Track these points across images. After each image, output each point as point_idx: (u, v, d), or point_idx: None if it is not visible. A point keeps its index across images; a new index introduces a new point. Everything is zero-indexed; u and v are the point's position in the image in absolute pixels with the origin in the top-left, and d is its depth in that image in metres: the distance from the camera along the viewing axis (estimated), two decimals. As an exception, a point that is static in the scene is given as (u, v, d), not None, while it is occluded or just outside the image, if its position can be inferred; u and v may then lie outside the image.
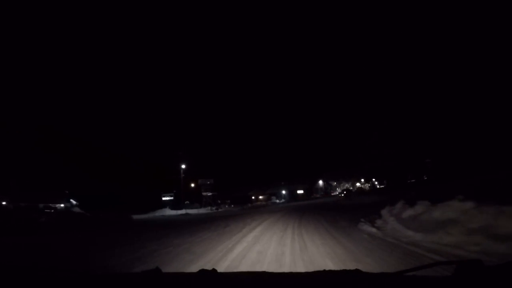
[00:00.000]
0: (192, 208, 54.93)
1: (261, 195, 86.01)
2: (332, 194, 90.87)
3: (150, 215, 42.21)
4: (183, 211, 45.77)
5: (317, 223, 15.66)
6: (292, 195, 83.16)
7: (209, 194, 67.27)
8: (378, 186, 70.81)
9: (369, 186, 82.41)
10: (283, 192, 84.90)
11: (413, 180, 42.80)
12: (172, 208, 50.83)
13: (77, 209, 37.80)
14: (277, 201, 78.37)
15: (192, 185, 67.86)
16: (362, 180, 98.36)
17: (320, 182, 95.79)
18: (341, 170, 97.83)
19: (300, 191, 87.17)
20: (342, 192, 51.65)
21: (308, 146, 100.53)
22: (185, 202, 59.16)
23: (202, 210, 51.65)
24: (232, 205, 63.67)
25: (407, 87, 46.37)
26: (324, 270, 1.93)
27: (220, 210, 51.88)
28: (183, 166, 55.37)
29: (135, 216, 36.43)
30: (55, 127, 66.83)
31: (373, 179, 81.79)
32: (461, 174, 29.35)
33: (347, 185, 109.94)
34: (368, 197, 32.48)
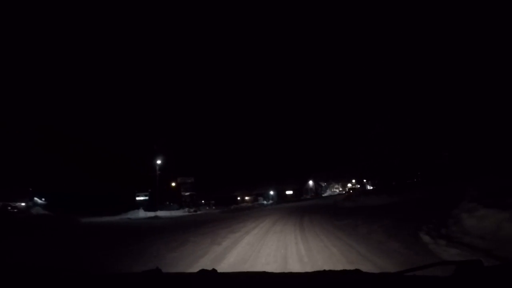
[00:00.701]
0: (170, 209, 48.41)
1: (248, 196, 79.52)
2: (323, 195, 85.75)
3: (117, 217, 35.50)
4: (152, 214, 38.97)
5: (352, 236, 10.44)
6: (281, 196, 77.22)
7: (187, 193, 60.52)
8: (369, 187, 66.02)
9: (360, 187, 76.56)
10: (271, 193, 78.72)
11: (414, 180, 38.25)
12: (147, 209, 43.99)
13: (38, 209, 33.33)
14: (265, 202, 72.30)
15: (173, 184, 61.21)
16: (353, 181, 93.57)
17: (310, 182, 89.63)
18: (331, 171, 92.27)
19: (289, 192, 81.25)
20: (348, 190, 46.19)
21: (298, 145, 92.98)
22: (167, 203, 52.66)
23: (179, 212, 45.06)
24: (214, 207, 56.95)
25: (414, 76, 39.06)
26: (324, 270, 1.92)
27: (199, 212, 45.30)
28: (159, 162, 48.36)
29: (97, 219, 30.80)
30: (21, 115, 59.11)
31: (364, 180, 76.39)
32: (469, 173, 24.44)
33: (336, 186, 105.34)
34: (373, 199, 26.54)
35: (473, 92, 31.81)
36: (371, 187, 51.73)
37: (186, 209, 48.17)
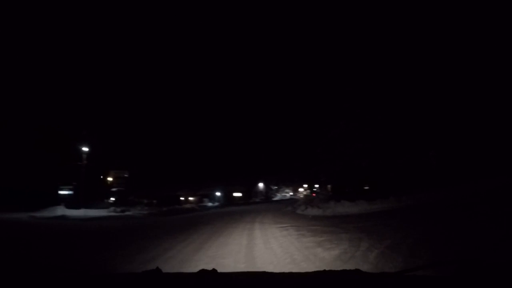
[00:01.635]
0: (98, 207, 40.29)
1: (192, 196, 72.24)
2: (274, 199, 79.82)
3: (21, 215, 27.39)
4: (71, 212, 31.05)
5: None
6: (228, 198, 70.57)
7: (115, 189, 52.20)
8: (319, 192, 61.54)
9: (324, 191, 71.09)
10: (218, 194, 71.94)
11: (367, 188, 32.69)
12: (70, 205, 35.76)
13: None
14: (210, 204, 65.67)
15: (108, 178, 53.00)
16: (305, 185, 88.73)
17: (261, 185, 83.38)
18: (283, 174, 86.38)
19: (237, 194, 74.76)
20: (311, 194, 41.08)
21: (249, 145, 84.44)
22: (99, 200, 44.44)
23: (103, 212, 37.07)
24: (147, 207, 48.93)
25: (385, 68, 33.46)
26: (324, 270, 1.94)
27: (127, 213, 37.74)
28: (86, 149, 40.12)
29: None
30: None
31: (317, 185, 71.38)
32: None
33: (287, 190, 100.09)
34: (347, 206, 20.60)
35: (464, 84, 27.21)
36: (330, 192, 46.34)
37: (112, 209, 40.23)
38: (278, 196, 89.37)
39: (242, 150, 77.39)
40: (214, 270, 1.77)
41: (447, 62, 29.49)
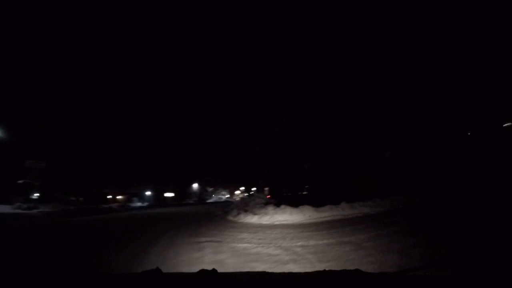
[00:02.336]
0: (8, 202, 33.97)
1: (121, 195, 66.34)
2: (209, 201, 75.05)
3: None
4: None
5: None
6: (159, 198, 65.30)
7: (21, 182, 44.63)
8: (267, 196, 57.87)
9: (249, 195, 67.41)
10: (148, 193, 66.39)
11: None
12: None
13: None
14: (139, 203, 60.37)
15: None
16: (242, 188, 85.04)
17: (195, 186, 78.43)
18: (220, 176, 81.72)
19: (169, 194, 69.57)
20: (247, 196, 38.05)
21: (185, 143, 78.32)
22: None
23: (6, 208, 31.03)
24: (62, 205, 42.66)
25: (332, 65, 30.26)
26: (324, 270, 1.94)
27: (35, 211, 31.85)
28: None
29: None
30: None
31: (254, 188, 67.68)
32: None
33: (223, 192, 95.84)
34: (290, 214, 16.90)
35: (417, 86, 24.92)
36: (268, 196, 43.11)
37: (17, 205, 33.97)
38: (213, 198, 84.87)
39: (177, 149, 71.77)
40: (214, 270, 1.73)
41: (401, 60, 27.22)
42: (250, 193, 70.89)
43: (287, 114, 29.05)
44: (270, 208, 16.62)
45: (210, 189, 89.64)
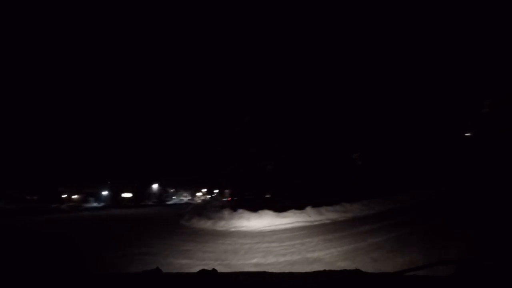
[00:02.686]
0: None
1: (77, 194, 62.26)
2: (169, 202, 71.49)
3: None
4: None
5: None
6: (116, 198, 61.67)
7: None
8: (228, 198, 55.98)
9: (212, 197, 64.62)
10: (105, 193, 62.65)
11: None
12: None
13: None
14: (95, 204, 56.85)
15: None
16: (204, 190, 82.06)
17: (155, 186, 74.63)
18: (182, 177, 77.87)
19: (127, 195, 65.91)
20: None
21: (146, 141, 73.33)
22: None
23: None
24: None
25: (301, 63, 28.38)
26: (324, 270, 1.91)
27: None
28: None
29: None
30: None
31: (216, 190, 65.05)
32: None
33: (185, 194, 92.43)
34: (251, 218, 14.88)
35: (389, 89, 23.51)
36: (229, 198, 41.00)
37: None
38: (174, 200, 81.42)
39: (137, 147, 67.79)
40: (214, 270, 1.69)
41: (370, 57, 25.83)
42: (213, 195, 68.19)
43: (251, 112, 27.01)
44: (226, 213, 14.51)
45: (171, 190, 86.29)
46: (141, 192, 68.44)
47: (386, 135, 23.58)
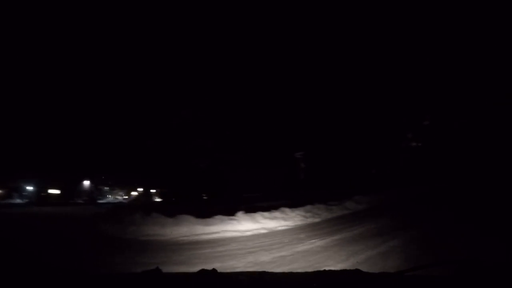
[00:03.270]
0: None
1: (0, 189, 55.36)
2: (100, 201, 65.47)
3: None
4: None
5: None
6: (42, 194, 55.61)
7: None
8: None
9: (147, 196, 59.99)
10: (30, 188, 56.39)
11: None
12: None
13: None
14: (18, 200, 51.04)
15: None
16: (141, 189, 76.84)
17: (87, 183, 68.10)
18: (120, 174, 71.69)
19: (54, 191, 59.58)
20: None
21: (79, 132, 66.51)
22: None
23: None
24: None
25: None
26: (324, 270, 1.89)
27: None
28: None
29: None
30: None
31: (152, 190, 60.52)
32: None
33: (121, 192, 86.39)
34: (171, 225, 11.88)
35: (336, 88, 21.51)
36: (160, 199, 38.39)
37: None
38: (108, 199, 75.10)
39: (69, 139, 61.20)
40: (214, 270, 1.66)
41: (313, 53, 23.76)
42: (150, 194, 63.60)
43: (188, 105, 23.89)
44: (138, 216, 11.27)
45: (106, 189, 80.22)
46: (72, 188, 62.22)
47: (331, 136, 21.64)
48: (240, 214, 10.70)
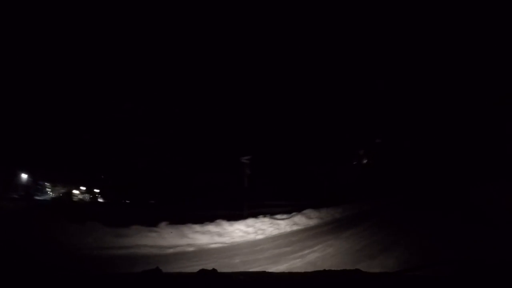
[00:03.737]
0: None
1: None
2: (38, 197, 59.78)
3: None
4: None
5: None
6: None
7: None
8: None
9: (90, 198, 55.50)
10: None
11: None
12: None
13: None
14: None
15: None
16: (83, 188, 71.56)
17: (24, 176, 61.79)
18: (61, 170, 66.16)
19: (-16, 184, 53.66)
20: None
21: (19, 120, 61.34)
22: None
23: None
24: None
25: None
26: (324, 270, 1.84)
27: None
28: None
29: None
30: None
31: (96, 190, 55.98)
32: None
33: (62, 191, 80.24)
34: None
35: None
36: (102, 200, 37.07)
37: None
38: (48, 195, 69.04)
39: (3, 127, 55.84)
40: (214, 270, 1.61)
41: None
42: (96, 194, 58.94)
43: (132, 99, 21.24)
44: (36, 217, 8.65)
45: (47, 184, 74.15)
46: (7, 181, 56.49)
47: (283, 145, 19.87)
48: (163, 225, 8.33)
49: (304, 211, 12.15)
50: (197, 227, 8.46)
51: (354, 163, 26.88)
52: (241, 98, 20.20)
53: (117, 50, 21.69)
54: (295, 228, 10.29)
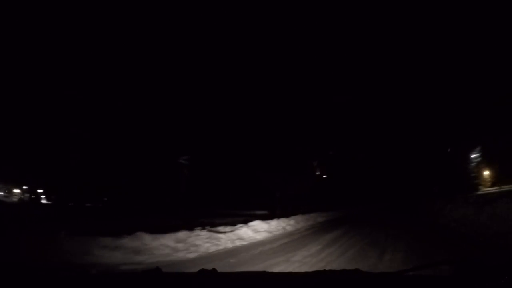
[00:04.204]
0: None
1: None
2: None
3: None
4: None
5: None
6: None
7: None
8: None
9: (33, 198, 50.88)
10: None
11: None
12: None
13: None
14: None
15: None
16: (25, 187, 66.09)
17: None
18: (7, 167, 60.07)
19: None
20: None
21: None
22: None
23: None
24: None
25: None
26: (324, 270, 1.78)
27: None
28: None
29: None
30: None
31: (40, 190, 51.25)
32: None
33: (5, 189, 73.70)
34: None
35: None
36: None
37: None
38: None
39: None
40: (214, 270, 1.55)
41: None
42: (40, 194, 53.93)
43: (73, 87, 18.74)
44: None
45: (-5, 184, 67.55)
46: None
47: (229, 148, 18.17)
48: (63, 234, 6.08)
49: (251, 223, 10.35)
50: (107, 241, 6.28)
51: (307, 174, 26.23)
52: (191, 97, 18.39)
53: (60, 32, 19.19)
54: (238, 243, 8.38)
